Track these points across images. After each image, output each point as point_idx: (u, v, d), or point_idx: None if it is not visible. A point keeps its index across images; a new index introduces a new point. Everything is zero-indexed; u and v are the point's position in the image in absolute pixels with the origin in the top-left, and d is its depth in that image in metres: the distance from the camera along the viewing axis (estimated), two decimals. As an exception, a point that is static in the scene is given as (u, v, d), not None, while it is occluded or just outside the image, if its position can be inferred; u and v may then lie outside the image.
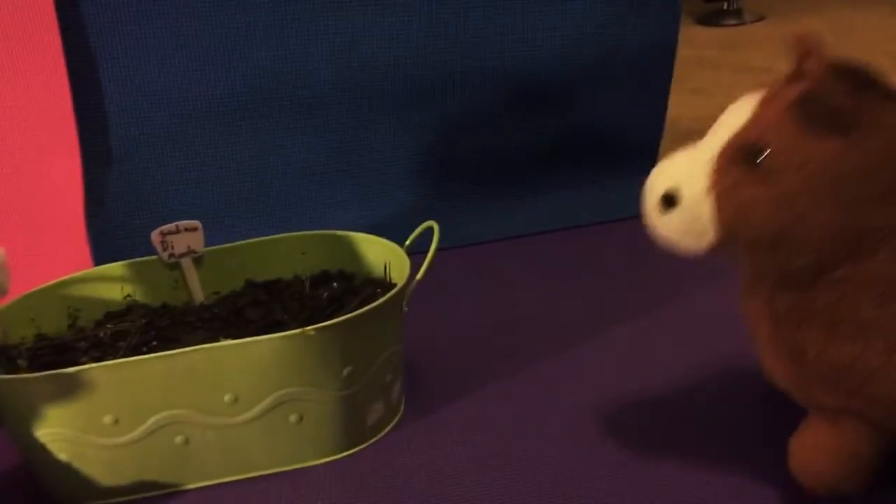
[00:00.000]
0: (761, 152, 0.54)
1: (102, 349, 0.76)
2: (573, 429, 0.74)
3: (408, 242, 0.80)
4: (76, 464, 0.70)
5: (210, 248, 0.85)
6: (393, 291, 0.73)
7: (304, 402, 0.71)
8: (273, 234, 0.87)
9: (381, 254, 0.84)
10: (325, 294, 0.82)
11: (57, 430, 0.68)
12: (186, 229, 0.84)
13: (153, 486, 0.72)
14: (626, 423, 0.74)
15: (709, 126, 0.59)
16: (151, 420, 0.69)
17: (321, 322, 0.69)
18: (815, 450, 0.60)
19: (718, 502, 0.65)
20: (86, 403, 0.67)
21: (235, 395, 0.69)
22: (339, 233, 0.86)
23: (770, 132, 0.55)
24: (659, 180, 0.58)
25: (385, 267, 0.83)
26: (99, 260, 1.01)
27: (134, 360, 0.68)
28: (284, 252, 0.87)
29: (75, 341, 0.78)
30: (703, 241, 0.57)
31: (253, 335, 0.71)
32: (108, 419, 0.68)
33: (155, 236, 0.82)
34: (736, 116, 0.57)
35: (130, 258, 0.85)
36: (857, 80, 0.53)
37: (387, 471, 0.72)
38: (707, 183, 0.56)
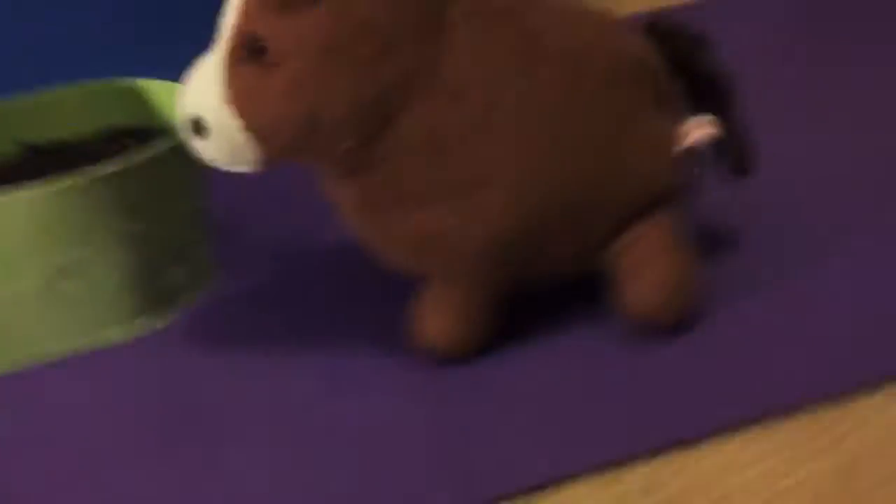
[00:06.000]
0: (260, 45, 0.50)
1: None
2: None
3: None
4: None
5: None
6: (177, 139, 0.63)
7: (91, 266, 0.62)
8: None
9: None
10: (118, 151, 0.71)
11: None
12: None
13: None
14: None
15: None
16: None
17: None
18: (429, 314, 0.57)
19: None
20: None
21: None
22: (134, 82, 0.75)
23: (258, 21, 0.50)
24: (184, 105, 0.53)
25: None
26: None
27: None
28: (68, 107, 0.75)
29: None
30: (250, 158, 0.52)
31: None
32: None
33: None
34: (231, 7, 0.52)
35: None
36: None
37: (195, 341, 0.64)
38: (223, 96, 0.51)
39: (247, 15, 0.50)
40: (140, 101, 0.75)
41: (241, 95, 0.50)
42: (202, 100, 0.52)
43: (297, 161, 0.54)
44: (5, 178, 0.71)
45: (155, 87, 0.75)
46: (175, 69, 0.81)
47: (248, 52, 0.50)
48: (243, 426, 0.56)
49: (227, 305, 0.68)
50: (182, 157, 0.64)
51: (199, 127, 0.52)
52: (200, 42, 0.94)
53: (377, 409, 0.55)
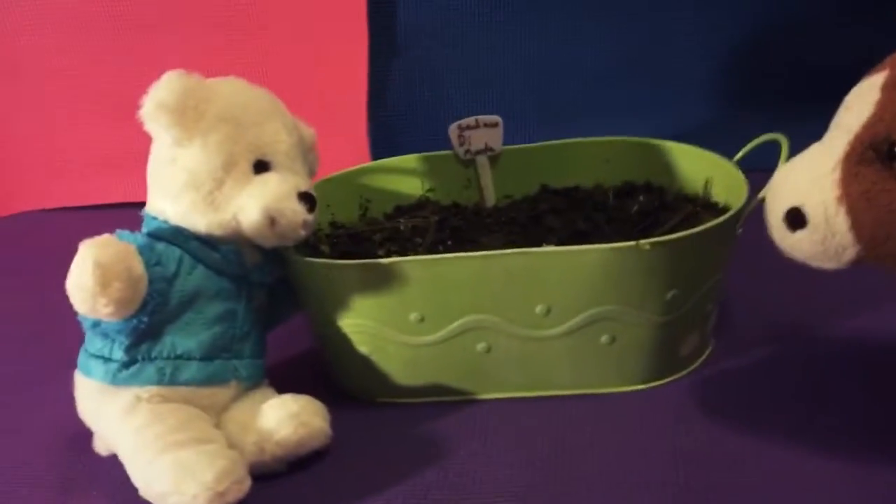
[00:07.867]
0: None
1: (399, 243, 0.73)
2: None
3: (739, 155, 0.71)
4: (375, 359, 0.67)
5: (506, 146, 0.79)
6: (734, 210, 0.64)
7: (620, 324, 0.64)
8: (563, 140, 0.80)
9: (700, 167, 0.74)
10: (635, 208, 0.74)
11: (361, 322, 0.66)
12: (486, 125, 0.78)
13: (449, 391, 0.68)
14: None
15: None
16: (458, 322, 0.65)
17: (631, 238, 0.62)
18: None
19: None
20: (395, 298, 0.64)
21: (548, 306, 0.63)
22: (651, 140, 0.78)
23: None
24: (779, 196, 0.51)
25: (706, 183, 0.74)
26: (376, 154, 0.99)
27: (449, 258, 0.63)
28: (585, 158, 0.80)
29: (371, 232, 0.75)
30: (843, 258, 0.50)
31: (557, 245, 0.65)
32: (414, 316, 0.64)
33: (453, 130, 0.77)
34: (860, 106, 0.50)
35: (406, 153, 0.81)
36: None
37: (694, 408, 0.65)
38: (836, 192, 0.49)
39: (890, 110, 0.49)
40: (654, 160, 0.77)
41: (860, 196, 0.49)
42: (808, 192, 0.50)
43: (888, 267, 0.52)
44: (529, 209, 0.77)
45: (670, 148, 0.77)
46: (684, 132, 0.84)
47: (879, 154, 0.49)
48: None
49: (724, 375, 0.68)
50: (726, 230, 0.64)
51: (796, 218, 0.51)
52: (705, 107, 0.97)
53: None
